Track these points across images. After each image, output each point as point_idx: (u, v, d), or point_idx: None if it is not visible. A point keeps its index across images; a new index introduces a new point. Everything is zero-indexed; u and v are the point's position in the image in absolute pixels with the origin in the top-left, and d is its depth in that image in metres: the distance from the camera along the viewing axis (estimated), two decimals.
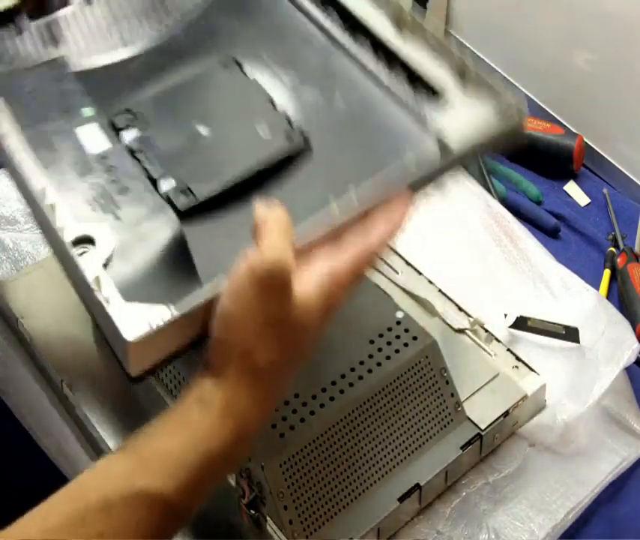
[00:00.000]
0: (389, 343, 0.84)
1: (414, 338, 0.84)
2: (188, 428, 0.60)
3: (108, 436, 0.86)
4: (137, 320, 0.60)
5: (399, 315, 0.86)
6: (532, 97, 1.28)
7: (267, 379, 0.62)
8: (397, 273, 0.99)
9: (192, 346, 0.66)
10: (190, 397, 0.62)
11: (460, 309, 0.95)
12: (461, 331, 0.93)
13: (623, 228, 1.12)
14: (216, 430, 0.60)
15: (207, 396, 0.61)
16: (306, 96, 0.80)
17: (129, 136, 0.77)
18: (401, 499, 0.80)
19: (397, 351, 0.83)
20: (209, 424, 0.60)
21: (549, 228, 1.13)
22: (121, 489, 0.58)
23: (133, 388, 0.84)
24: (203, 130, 0.78)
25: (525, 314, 0.97)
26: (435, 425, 0.84)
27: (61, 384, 0.90)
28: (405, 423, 0.82)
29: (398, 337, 0.84)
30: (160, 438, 0.60)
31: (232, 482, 0.80)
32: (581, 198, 1.19)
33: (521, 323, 0.96)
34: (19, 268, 1.03)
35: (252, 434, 0.62)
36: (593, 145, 1.21)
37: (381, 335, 0.84)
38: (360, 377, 0.81)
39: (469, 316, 0.94)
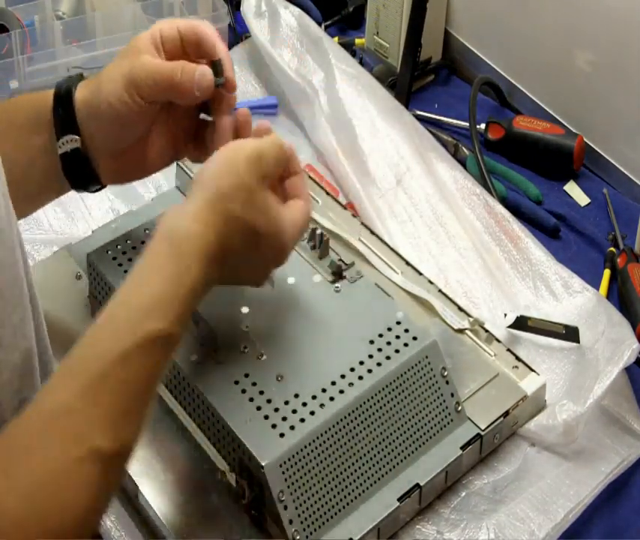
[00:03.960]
0: (389, 343, 0.84)
1: (414, 338, 0.84)
2: (172, 266, 0.69)
3: None
4: None
5: (399, 315, 0.86)
6: (532, 97, 1.29)
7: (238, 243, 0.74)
8: (397, 273, 0.99)
9: None
10: (169, 235, 0.71)
11: (460, 309, 0.95)
12: (461, 331, 0.93)
13: (623, 228, 1.12)
14: (194, 265, 0.70)
15: (186, 234, 0.71)
16: None
17: None
18: (401, 499, 0.80)
19: (397, 351, 0.83)
20: (189, 259, 0.70)
21: (549, 228, 1.13)
22: (134, 338, 0.65)
23: None
24: None
25: (525, 314, 0.97)
26: (435, 425, 0.84)
27: None
28: (405, 423, 0.82)
29: (398, 337, 0.84)
30: (153, 282, 0.69)
31: (232, 482, 0.80)
32: (581, 198, 1.19)
33: (521, 323, 0.96)
34: None
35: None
36: (593, 145, 1.21)
37: (381, 335, 0.84)
38: (360, 377, 0.81)
39: (469, 316, 0.94)
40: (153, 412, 0.85)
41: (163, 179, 1.15)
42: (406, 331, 0.85)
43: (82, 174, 0.83)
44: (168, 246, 0.70)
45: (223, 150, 0.76)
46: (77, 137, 0.81)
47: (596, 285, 1.03)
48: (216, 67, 0.83)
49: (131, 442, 0.65)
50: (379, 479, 0.80)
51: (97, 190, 0.86)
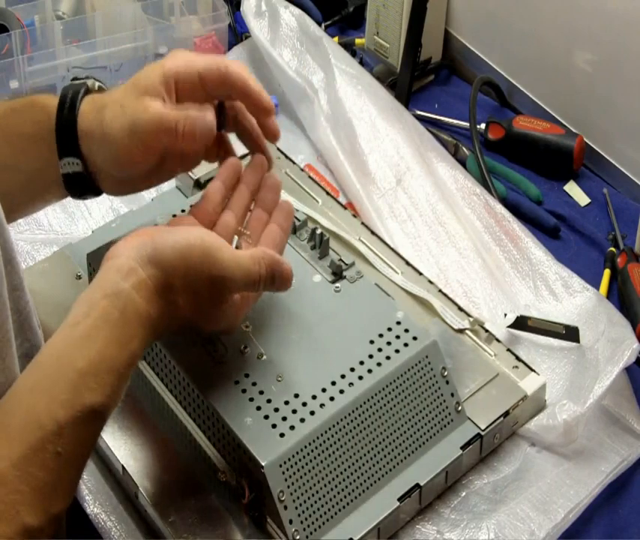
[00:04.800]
0: (389, 343, 0.84)
1: (414, 338, 0.84)
2: (113, 333, 0.68)
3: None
4: None
5: (399, 315, 0.86)
6: (532, 97, 1.29)
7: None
8: (397, 273, 0.99)
9: None
10: (110, 299, 0.69)
11: (460, 309, 0.95)
12: (461, 331, 0.93)
13: (623, 228, 1.12)
14: (135, 334, 0.69)
15: (127, 299, 0.70)
16: None
17: None
18: (401, 499, 0.80)
19: (397, 351, 0.83)
20: (131, 328, 0.69)
21: (549, 228, 1.13)
22: (72, 412, 0.65)
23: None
24: None
25: (525, 314, 0.97)
26: (435, 425, 0.84)
27: None
28: (405, 423, 0.82)
29: (398, 337, 0.84)
30: (97, 345, 0.68)
31: (232, 482, 0.80)
32: (581, 198, 1.19)
33: (521, 323, 0.96)
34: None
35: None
36: (593, 145, 1.21)
37: (381, 335, 0.84)
38: (360, 377, 0.81)
39: (469, 316, 0.94)
40: (153, 411, 0.86)
41: None
42: (406, 331, 0.85)
43: (83, 188, 0.82)
44: (113, 308, 0.69)
45: (193, 241, 0.73)
46: (79, 161, 0.79)
47: (596, 285, 1.03)
48: (221, 110, 0.82)
49: (59, 512, 0.65)
50: (379, 479, 0.80)
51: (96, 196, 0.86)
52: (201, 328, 0.78)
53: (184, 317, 0.74)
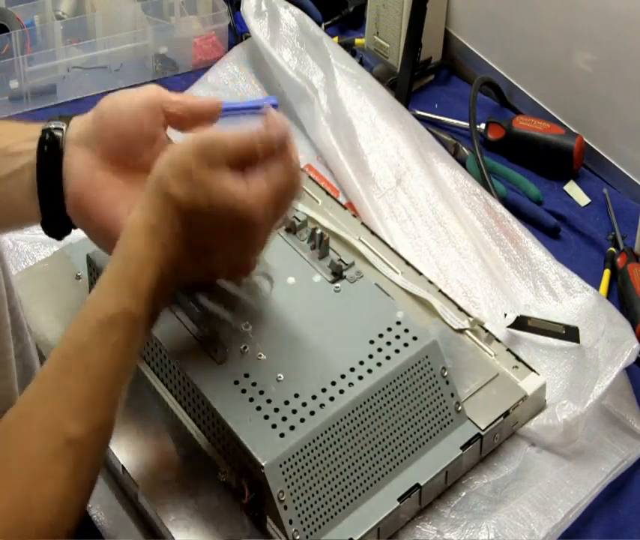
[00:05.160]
0: (389, 343, 0.84)
1: (414, 338, 0.84)
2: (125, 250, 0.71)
3: None
4: None
5: (399, 315, 0.86)
6: (532, 96, 1.29)
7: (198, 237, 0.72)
8: (397, 273, 0.99)
9: None
10: (137, 231, 0.70)
11: (460, 309, 0.95)
12: (461, 331, 0.93)
13: (623, 228, 1.12)
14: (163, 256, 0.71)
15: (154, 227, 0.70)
16: None
17: None
18: (401, 499, 0.80)
19: (397, 351, 0.83)
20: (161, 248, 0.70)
21: (549, 228, 1.13)
22: (90, 325, 0.68)
23: None
24: None
25: (525, 314, 0.97)
26: (435, 425, 0.84)
27: None
28: (405, 423, 0.82)
29: (398, 337, 0.84)
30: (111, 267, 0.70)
31: (232, 482, 0.80)
32: (581, 198, 1.19)
33: (521, 323, 0.96)
34: (19, 269, 1.03)
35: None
36: (593, 145, 1.21)
37: (381, 335, 0.84)
38: (360, 377, 0.81)
39: (469, 316, 0.94)
40: (153, 411, 0.86)
41: None
42: (406, 331, 0.85)
43: (61, 227, 0.80)
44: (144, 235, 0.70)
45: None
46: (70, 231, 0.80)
47: (596, 285, 1.03)
48: None
49: (103, 425, 0.67)
50: (379, 479, 0.80)
51: None
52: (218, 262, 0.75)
53: (190, 211, 0.71)
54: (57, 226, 0.79)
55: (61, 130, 0.76)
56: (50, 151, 0.76)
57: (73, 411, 0.65)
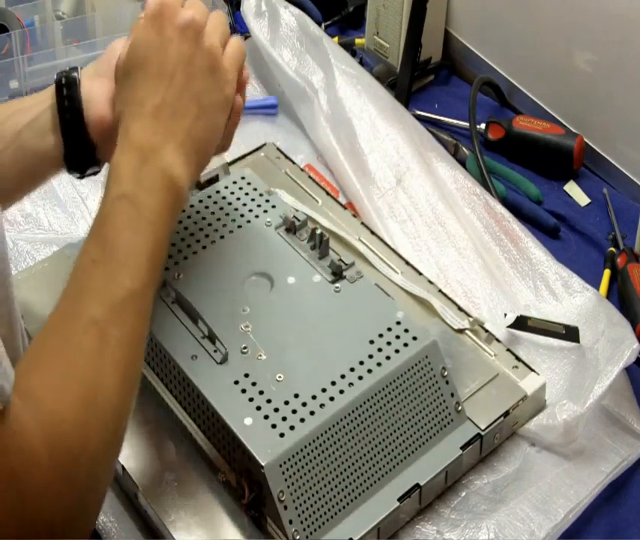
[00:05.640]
0: (389, 343, 0.84)
1: (414, 338, 0.84)
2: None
3: None
4: None
5: (399, 315, 0.86)
6: (532, 97, 1.29)
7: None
8: (397, 273, 0.98)
9: None
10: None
11: (460, 309, 0.95)
12: (461, 331, 0.93)
13: (623, 228, 1.12)
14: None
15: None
16: None
17: None
18: (401, 499, 0.80)
19: (397, 351, 0.83)
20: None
21: (549, 228, 1.13)
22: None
23: None
24: None
25: (525, 314, 0.97)
26: (435, 425, 0.84)
27: None
28: (405, 423, 0.82)
29: (398, 337, 0.84)
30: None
31: (232, 482, 0.80)
32: (581, 198, 1.19)
33: (521, 323, 0.96)
34: (19, 269, 1.03)
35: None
36: (593, 145, 1.21)
37: (381, 335, 0.84)
38: (360, 377, 0.81)
39: (469, 316, 0.94)
40: (153, 411, 0.86)
41: None
42: (406, 331, 0.85)
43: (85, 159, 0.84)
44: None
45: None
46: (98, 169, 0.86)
47: (596, 285, 1.03)
48: None
49: (124, 297, 0.68)
50: (379, 479, 0.80)
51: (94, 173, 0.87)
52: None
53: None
54: (80, 157, 0.83)
55: (76, 69, 0.83)
56: (68, 84, 0.82)
57: (96, 291, 0.68)
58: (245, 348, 0.83)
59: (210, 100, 0.77)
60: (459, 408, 0.85)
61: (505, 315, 0.97)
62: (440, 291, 0.97)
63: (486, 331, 0.93)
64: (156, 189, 0.72)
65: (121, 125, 0.75)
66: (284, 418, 0.78)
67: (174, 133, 0.75)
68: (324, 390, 0.80)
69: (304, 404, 0.79)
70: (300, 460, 0.77)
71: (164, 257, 0.73)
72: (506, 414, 0.86)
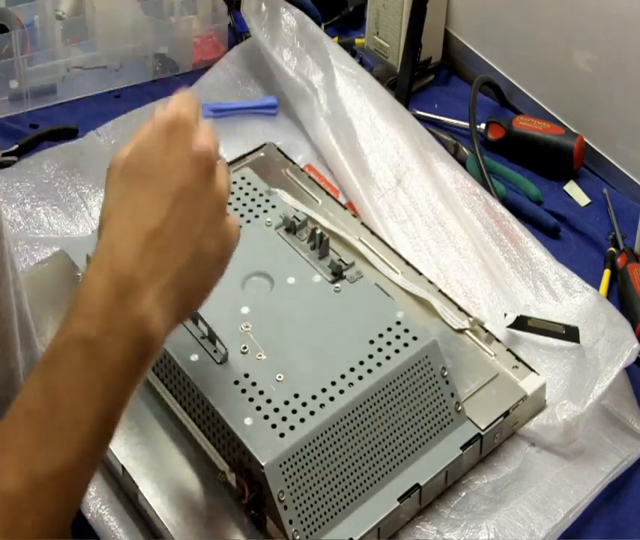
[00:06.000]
0: (389, 343, 0.84)
1: (414, 338, 0.84)
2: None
3: None
4: None
5: (399, 315, 0.86)
6: (532, 96, 1.29)
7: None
8: (397, 273, 0.98)
9: None
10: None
11: (460, 309, 0.95)
12: (461, 331, 0.93)
13: (623, 228, 1.12)
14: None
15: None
16: None
17: None
18: (401, 499, 0.80)
19: (397, 351, 0.83)
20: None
21: (549, 228, 1.13)
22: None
23: None
24: None
25: (525, 314, 0.97)
26: (435, 425, 0.84)
27: None
28: (405, 423, 0.82)
29: (398, 337, 0.84)
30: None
31: (232, 482, 0.80)
32: (581, 198, 1.19)
33: (521, 323, 0.96)
34: (19, 269, 1.02)
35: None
36: (593, 145, 1.21)
37: (381, 335, 0.84)
38: (360, 377, 0.81)
39: (469, 316, 0.94)
40: (153, 411, 0.86)
41: None
42: (406, 331, 0.85)
43: None
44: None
45: None
46: None
47: (596, 285, 1.03)
48: None
49: (45, 476, 0.57)
50: (379, 479, 0.80)
51: None
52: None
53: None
54: None
55: None
56: None
57: (13, 462, 0.56)
58: (245, 348, 0.83)
59: (210, 250, 0.65)
60: (459, 408, 0.85)
61: (505, 315, 0.97)
62: (440, 291, 0.97)
63: (486, 331, 0.93)
64: (125, 341, 0.59)
65: (105, 233, 0.62)
66: (284, 418, 0.78)
67: (163, 271, 0.61)
68: (324, 390, 0.80)
69: (304, 404, 0.79)
70: (300, 460, 0.77)
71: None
72: (506, 414, 0.86)
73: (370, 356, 0.83)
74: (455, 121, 1.28)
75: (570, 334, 0.94)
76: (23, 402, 0.58)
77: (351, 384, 0.81)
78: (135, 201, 0.63)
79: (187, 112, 0.65)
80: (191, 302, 0.66)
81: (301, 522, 0.76)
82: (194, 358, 0.83)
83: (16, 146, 1.20)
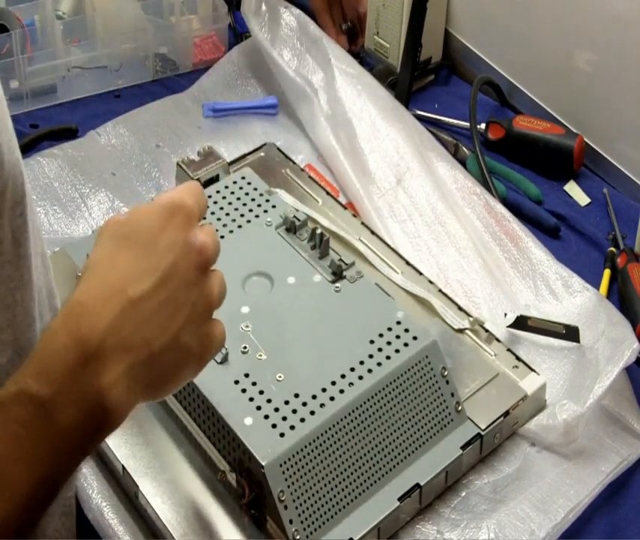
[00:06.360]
0: (389, 343, 0.84)
1: (414, 338, 0.84)
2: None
3: None
4: None
5: (399, 315, 0.86)
6: (532, 96, 1.28)
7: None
8: (397, 273, 0.98)
9: None
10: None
11: (460, 309, 0.95)
12: (461, 331, 0.93)
13: (623, 228, 1.12)
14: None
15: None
16: None
17: None
18: (401, 499, 0.80)
19: (397, 351, 0.83)
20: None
21: (549, 228, 1.13)
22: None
23: None
24: None
25: (525, 314, 0.97)
26: (435, 425, 0.84)
27: None
28: (405, 423, 0.82)
29: (398, 337, 0.84)
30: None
31: (232, 482, 0.80)
32: (581, 198, 1.18)
33: (521, 323, 0.96)
34: None
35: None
36: (593, 145, 1.21)
37: (381, 335, 0.84)
38: (360, 377, 0.81)
39: (469, 316, 0.94)
40: (153, 411, 0.86)
41: (163, 179, 1.15)
42: (406, 331, 0.85)
43: None
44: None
45: None
46: None
47: (596, 285, 1.03)
48: None
49: None
50: (379, 479, 0.80)
51: None
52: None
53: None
54: None
55: None
56: None
57: None
58: (245, 348, 0.83)
59: (188, 345, 0.61)
60: (459, 408, 0.85)
61: (505, 315, 0.97)
62: (440, 291, 0.97)
63: (486, 331, 0.93)
64: (80, 409, 0.55)
65: (82, 287, 0.60)
66: (284, 418, 0.78)
67: (134, 349, 0.58)
68: (324, 390, 0.80)
69: (304, 404, 0.79)
70: (300, 459, 0.77)
71: (59, 488, 0.57)
72: (506, 414, 0.86)
73: (370, 356, 0.83)
74: (455, 121, 1.28)
75: (570, 334, 0.94)
76: None
77: (351, 384, 0.81)
78: (121, 264, 0.60)
79: (192, 204, 0.62)
80: (161, 388, 0.62)
81: (301, 522, 0.76)
82: None
83: None
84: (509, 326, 0.96)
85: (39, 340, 0.58)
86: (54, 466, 0.56)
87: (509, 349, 0.92)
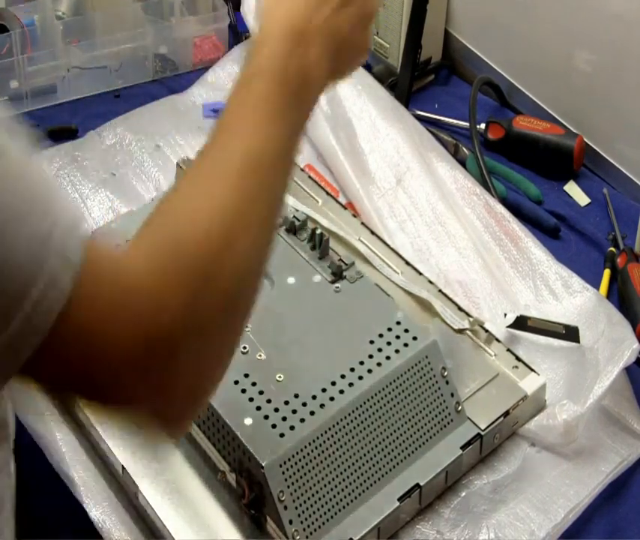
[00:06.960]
0: (389, 344, 0.84)
1: (414, 338, 0.84)
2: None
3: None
4: None
5: (399, 315, 0.86)
6: (532, 96, 1.29)
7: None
8: (397, 273, 0.98)
9: None
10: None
11: (460, 309, 0.95)
12: (461, 331, 0.93)
13: (623, 228, 1.12)
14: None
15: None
16: None
17: None
18: (401, 499, 0.80)
19: (397, 351, 0.83)
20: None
21: (549, 228, 1.13)
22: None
23: None
24: None
25: (525, 314, 0.97)
26: (435, 425, 0.84)
27: None
28: (405, 423, 0.82)
29: (398, 337, 0.84)
30: None
31: (232, 482, 0.80)
32: (581, 198, 1.19)
33: (521, 323, 0.96)
34: None
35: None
36: (593, 145, 1.21)
37: (380, 335, 0.84)
38: (360, 377, 0.81)
39: (469, 316, 0.94)
40: None
41: (163, 179, 1.15)
42: (406, 331, 0.85)
43: None
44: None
45: None
46: None
47: (596, 285, 1.03)
48: None
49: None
50: (379, 479, 0.80)
51: None
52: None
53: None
54: None
55: None
56: None
57: None
58: (245, 348, 0.83)
59: (359, 41, 0.71)
60: (459, 408, 0.85)
61: (505, 315, 0.97)
62: (440, 291, 0.97)
63: (486, 331, 0.93)
64: (291, 83, 0.64)
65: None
66: (284, 418, 0.78)
67: (332, 33, 0.67)
68: (324, 390, 0.80)
69: (304, 404, 0.79)
70: (300, 460, 0.77)
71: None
72: (506, 414, 0.86)
73: (370, 356, 0.83)
74: (455, 121, 1.28)
75: (570, 334, 0.94)
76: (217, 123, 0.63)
77: (351, 384, 0.81)
78: None
79: None
80: (337, 77, 0.71)
81: (301, 522, 0.76)
82: None
83: None
84: (509, 326, 0.96)
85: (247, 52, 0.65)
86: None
87: (509, 349, 0.92)
